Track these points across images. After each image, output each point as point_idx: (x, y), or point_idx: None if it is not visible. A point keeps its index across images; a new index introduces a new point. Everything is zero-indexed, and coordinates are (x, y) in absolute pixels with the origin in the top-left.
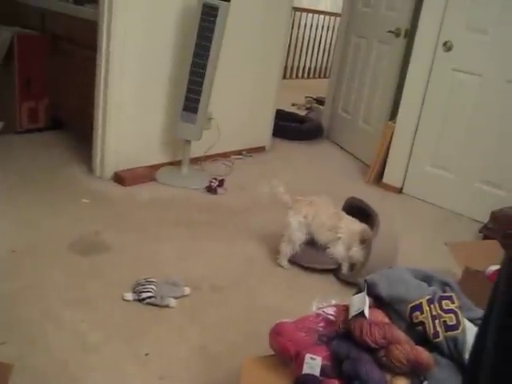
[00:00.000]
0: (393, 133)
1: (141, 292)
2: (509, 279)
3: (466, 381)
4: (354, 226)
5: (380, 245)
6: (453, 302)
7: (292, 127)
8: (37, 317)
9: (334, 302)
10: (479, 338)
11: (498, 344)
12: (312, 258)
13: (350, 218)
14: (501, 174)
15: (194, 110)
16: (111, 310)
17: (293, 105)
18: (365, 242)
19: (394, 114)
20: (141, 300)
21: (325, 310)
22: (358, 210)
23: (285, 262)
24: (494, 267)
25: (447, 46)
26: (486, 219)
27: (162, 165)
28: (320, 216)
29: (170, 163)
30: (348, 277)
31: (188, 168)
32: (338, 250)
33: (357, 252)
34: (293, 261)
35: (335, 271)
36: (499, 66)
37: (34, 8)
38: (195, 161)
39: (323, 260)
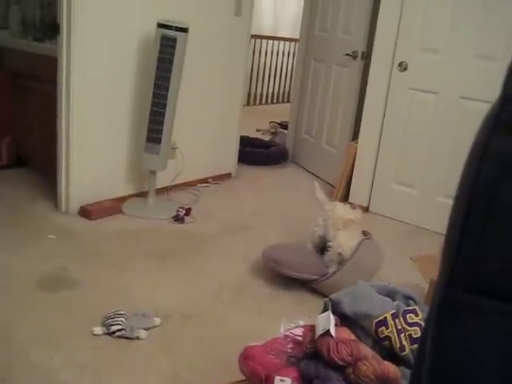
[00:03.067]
0: (356, 153)
1: (110, 325)
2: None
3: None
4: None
5: (367, 250)
6: (417, 315)
7: (257, 153)
8: (5, 356)
9: (301, 322)
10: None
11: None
12: (296, 265)
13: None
14: None
15: (158, 141)
16: (81, 345)
17: (257, 130)
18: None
19: (356, 135)
20: (111, 333)
21: (293, 331)
22: None
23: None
24: None
25: (403, 66)
26: None
27: (129, 196)
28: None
29: (137, 194)
30: (319, 284)
31: (154, 198)
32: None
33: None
34: (276, 270)
35: (309, 283)
36: (452, 83)
37: None
38: (162, 191)
39: (307, 269)
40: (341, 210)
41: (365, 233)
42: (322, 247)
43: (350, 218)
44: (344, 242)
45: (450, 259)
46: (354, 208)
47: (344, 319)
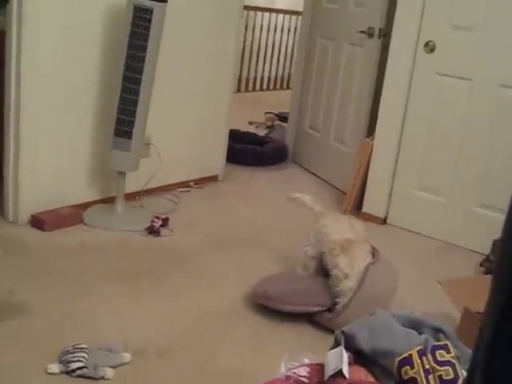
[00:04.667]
0: (371, 152)
1: (69, 362)
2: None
3: None
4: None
5: (377, 275)
6: (448, 352)
7: (250, 150)
8: None
9: (306, 360)
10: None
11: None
12: (292, 297)
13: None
14: (502, 195)
15: (128, 135)
16: None
17: (250, 123)
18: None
19: (371, 130)
20: (70, 372)
21: (296, 370)
22: None
23: None
24: None
25: (429, 47)
26: (487, 250)
27: (92, 203)
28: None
29: (102, 200)
30: (328, 321)
31: (123, 206)
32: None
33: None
34: (265, 305)
35: (313, 316)
36: (490, 68)
37: None
38: (132, 196)
39: (304, 300)
40: (335, 228)
41: (372, 251)
42: (317, 270)
43: (347, 239)
44: (348, 269)
45: (505, 289)
46: (353, 220)
47: (360, 356)
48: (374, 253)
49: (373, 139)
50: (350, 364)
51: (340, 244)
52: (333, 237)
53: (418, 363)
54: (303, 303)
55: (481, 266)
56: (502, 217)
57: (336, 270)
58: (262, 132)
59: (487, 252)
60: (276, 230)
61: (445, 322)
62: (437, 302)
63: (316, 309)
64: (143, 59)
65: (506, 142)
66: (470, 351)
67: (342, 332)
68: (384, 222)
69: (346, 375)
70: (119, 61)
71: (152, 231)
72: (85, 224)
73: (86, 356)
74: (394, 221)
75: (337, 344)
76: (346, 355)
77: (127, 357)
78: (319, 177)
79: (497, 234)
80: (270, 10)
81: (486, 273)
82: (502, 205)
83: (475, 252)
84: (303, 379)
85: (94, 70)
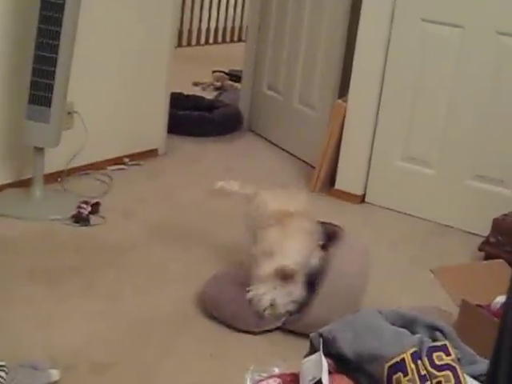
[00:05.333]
0: (344, 116)
1: None
2: None
3: None
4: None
5: (342, 265)
6: (448, 354)
7: (196, 118)
8: None
9: (276, 370)
10: None
11: None
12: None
13: None
14: (501, 164)
15: (46, 102)
16: None
17: (195, 84)
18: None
19: (344, 90)
20: None
21: (265, 383)
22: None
23: None
24: (502, 298)
25: None
26: (486, 231)
27: (3, 187)
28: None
29: (15, 184)
30: (293, 324)
31: (43, 190)
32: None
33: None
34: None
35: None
36: (485, 13)
37: None
38: (53, 178)
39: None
40: (273, 200)
41: (333, 230)
42: None
43: (286, 211)
44: (276, 246)
45: None
46: (296, 191)
47: (342, 363)
48: (338, 232)
49: (346, 101)
50: (330, 372)
51: (277, 216)
52: (270, 208)
53: (412, 368)
54: (264, 323)
55: (480, 250)
56: (503, 190)
57: (259, 245)
58: (209, 95)
59: (486, 233)
60: (227, 215)
61: (440, 319)
62: (427, 295)
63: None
64: (62, 7)
65: (504, 102)
66: (472, 352)
67: (320, 335)
68: (362, 200)
69: None
70: (32, 10)
71: (79, 219)
72: None
73: (4, 375)
74: (373, 199)
75: (313, 349)
76: (325, 362)
77: (55, 374)
78: (281, 148)
79: (496, 211)
80: None
81: (487, 258)
82: (502, 176)
83: (472, 234)
84: None
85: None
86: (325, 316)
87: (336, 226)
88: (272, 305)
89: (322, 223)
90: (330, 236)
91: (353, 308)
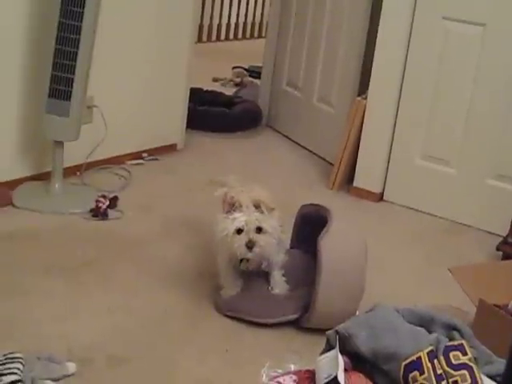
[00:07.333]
0: (364, 114)
1: (1, 375)
2: None
3: None
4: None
5: (335, 264)
6: (464, 354)
7: (216, 113)
8: None
9: (292, 367)
10: None
11: None
12: (258, 307)
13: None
14: None
15: (66, 96)
16: None
17: (215, 80)
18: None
19: (363, 87)
20: None
21: (281, 379)
22: (315, 221)
23: None
24: None
25: None
26: (504, 231)
27: (22, 180)
28: None
29: (35, 177)
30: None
31: (62, 183)
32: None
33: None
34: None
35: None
36: (507, 11)
37: None
38: (72, 171)
39: (276, 310)
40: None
41: (320, 214)
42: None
43: (258, 199)
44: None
45: None
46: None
47: (358, 361)
48: (327, 216)
49: (366, 98)
50: (346, 370)
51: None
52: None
53: (428, 367)
54: (281, 313)
55: (497, 249)
56: None
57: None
58: (229, 91)
59: (505, 233)
60: None
61: (458, 318)
62: (444, 293)
63: (296, 315)
64: (83, 2)
65: None
66: (489, 352)
67: (336, 332)
68: (380, 198)
69: (342, 383)
70: (53, 5)
71: (97, 214)
72: (14, 206)
73: (21, 367)
74: (391, 197)
75: (329, 347)
76: (341, 360)
77: (72, 367)
78: (300, 145)
79: None
80: None
81: (504, 258)
82: None
83: (490, 233)
84: None
85: (20, 16)
86: (330, 311)
87: (323, 207)
88: (249, 241)
89: (310, 205)
90: (317, 221)
91: (357, 298)
